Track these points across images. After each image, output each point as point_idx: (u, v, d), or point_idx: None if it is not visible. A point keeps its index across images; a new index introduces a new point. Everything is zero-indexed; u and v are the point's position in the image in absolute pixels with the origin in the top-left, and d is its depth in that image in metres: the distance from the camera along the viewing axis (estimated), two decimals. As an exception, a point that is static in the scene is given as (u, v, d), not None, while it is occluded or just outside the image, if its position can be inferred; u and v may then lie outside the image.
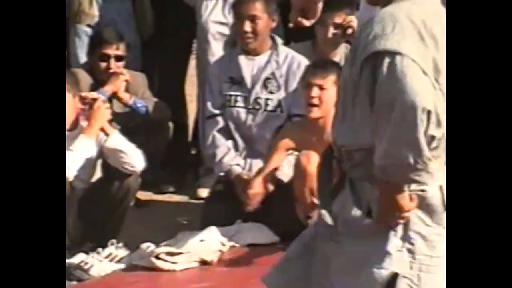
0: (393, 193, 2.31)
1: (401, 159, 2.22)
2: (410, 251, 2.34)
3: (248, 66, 4.77)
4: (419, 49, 2.27)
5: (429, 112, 2.17)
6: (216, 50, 5.28)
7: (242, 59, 4.77)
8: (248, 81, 4.74)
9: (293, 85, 4.70)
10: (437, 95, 2.29)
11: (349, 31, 4.76)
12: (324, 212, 2.52)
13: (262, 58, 4.74)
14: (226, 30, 5.24)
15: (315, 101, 4.17)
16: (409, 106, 2.19)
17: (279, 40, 4.88)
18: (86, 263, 4.32)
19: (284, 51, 4.82)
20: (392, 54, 2.21)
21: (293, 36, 5.19)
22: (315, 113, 4.20)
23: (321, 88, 4.18)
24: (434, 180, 2.36)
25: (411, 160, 2.21)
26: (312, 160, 3.94)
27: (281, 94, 4.75)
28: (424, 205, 2.37)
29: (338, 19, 4.74)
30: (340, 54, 4.83)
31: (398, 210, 2.29)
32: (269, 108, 4.74)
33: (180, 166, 5.77)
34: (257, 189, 4.30)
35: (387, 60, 2.21)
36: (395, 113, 2.21)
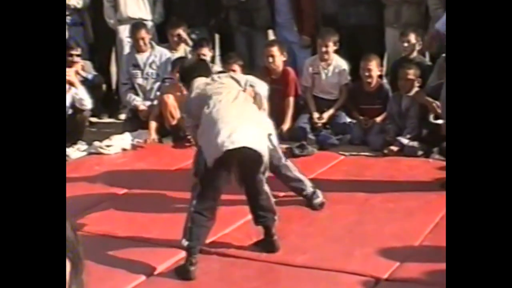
0: None
1: None
2: None
3: (141, 59, 7.30)
4: None
5: None
6: (126, 50, 7.74)
7: (138, 55, 7.31)
8: (141, 65, 7.24)
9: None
10: None
11: None
12: None
13: (147, 53, 7.27)
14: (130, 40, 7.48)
15: None
16: None
17: (154, 44, 7.23)
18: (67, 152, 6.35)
19: (158, 50, 7.17)
20: None
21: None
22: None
23: None
24: None
25: None
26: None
27: (157, 70, 7.18)
28: None
29: None
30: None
31: None
32: (152, 77, 7.26)
33: (110, 104, 8.05)
34: None
35: None
36: None
